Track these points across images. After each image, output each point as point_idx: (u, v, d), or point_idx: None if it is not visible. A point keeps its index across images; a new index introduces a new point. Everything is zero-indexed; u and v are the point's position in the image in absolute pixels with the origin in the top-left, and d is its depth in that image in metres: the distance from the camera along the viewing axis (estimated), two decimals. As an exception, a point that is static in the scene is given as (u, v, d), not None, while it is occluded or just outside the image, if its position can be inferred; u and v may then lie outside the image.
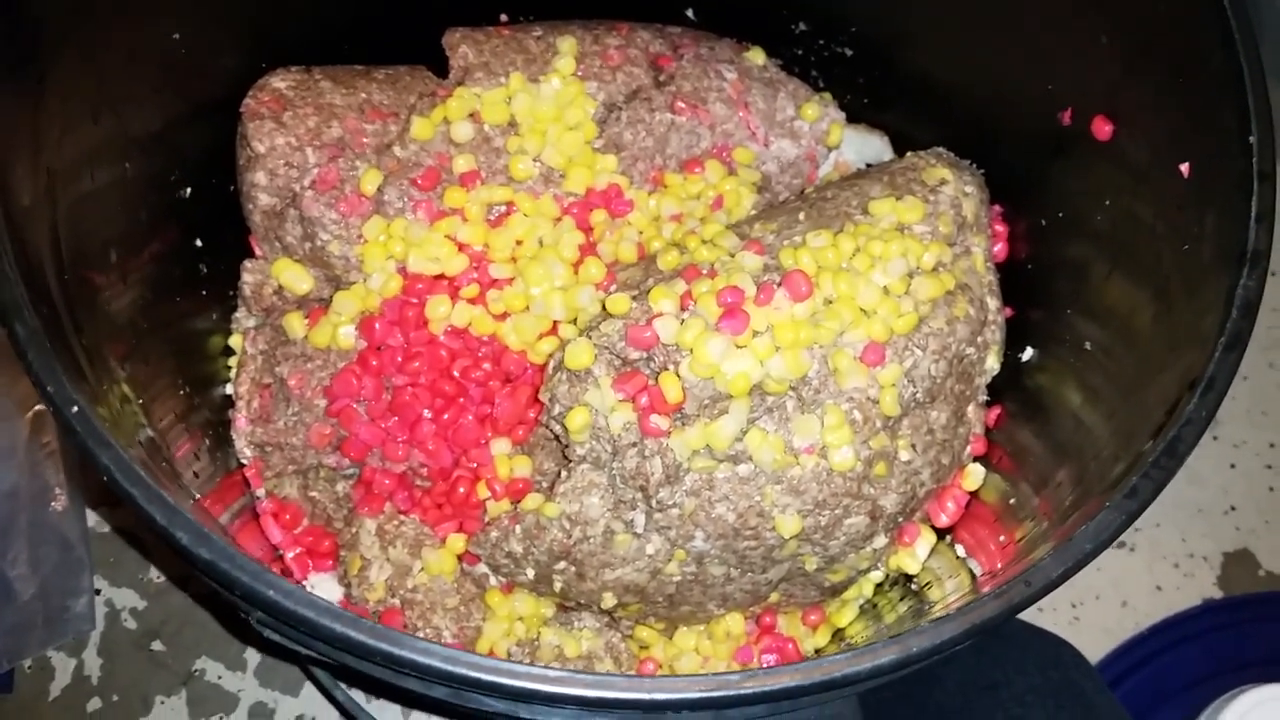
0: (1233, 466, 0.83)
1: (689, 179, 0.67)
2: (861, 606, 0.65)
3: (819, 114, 0.71)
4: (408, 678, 0.41)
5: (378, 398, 0.62)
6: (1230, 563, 0.80)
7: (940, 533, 0.62)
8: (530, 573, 0.59)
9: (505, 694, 0.39)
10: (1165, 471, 0.44)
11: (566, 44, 0.67)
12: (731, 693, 0.39)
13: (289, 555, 0.63)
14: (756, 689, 0.39)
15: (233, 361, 0.66)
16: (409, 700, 0.70)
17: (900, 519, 0.59)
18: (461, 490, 0.62)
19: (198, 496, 0.56)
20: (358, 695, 0.68)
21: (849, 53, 0.72)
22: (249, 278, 0.66)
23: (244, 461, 0.64)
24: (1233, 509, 0.82)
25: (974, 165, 0.67)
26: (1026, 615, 0.74)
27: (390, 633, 0.38)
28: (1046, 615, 0.77)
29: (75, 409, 0.41)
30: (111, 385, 0.50)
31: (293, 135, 0.64)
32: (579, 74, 0.67)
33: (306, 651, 0.44)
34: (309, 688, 0.74)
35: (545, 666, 0.44)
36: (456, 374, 0.62)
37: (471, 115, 0.65)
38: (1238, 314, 0.46)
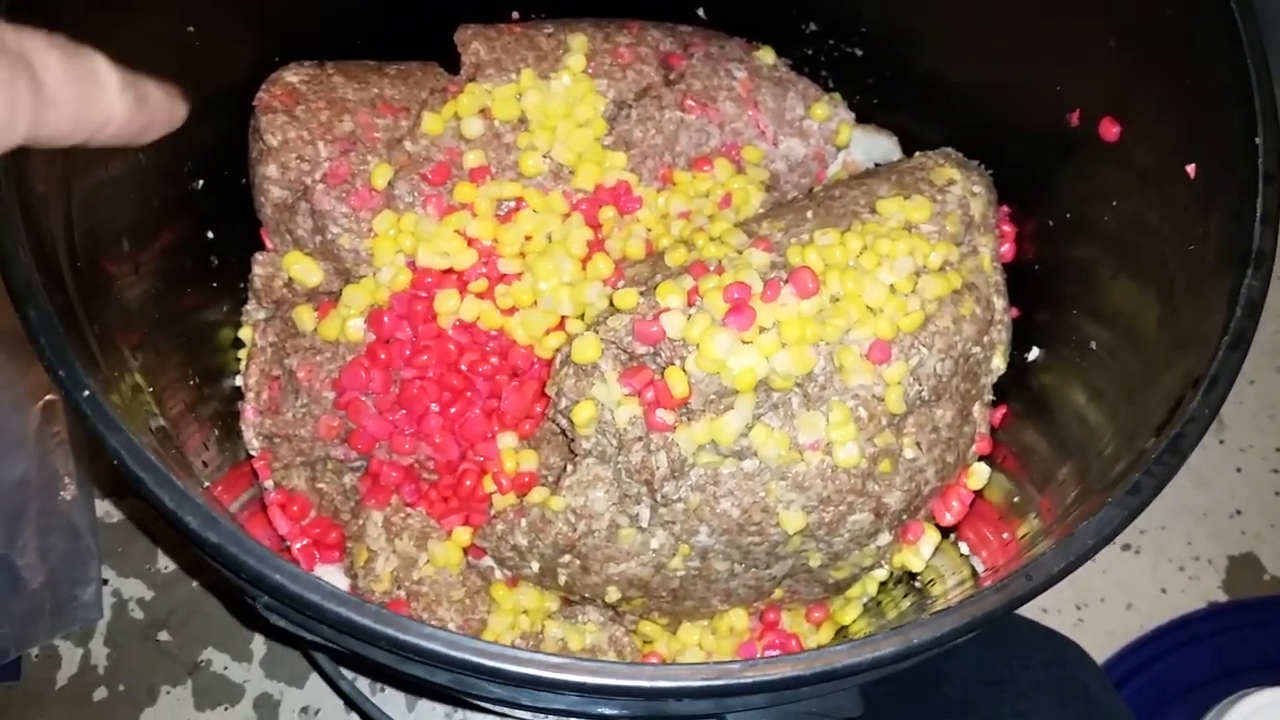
0: (1239, 470, 0.83)
1: (698, 177, 0.68)
2: (865, 604, 0.65)
3: (828, 114, 0.71)
4: (411, 663, 0.41)
5: (386, 390, 0.63)
6: (1235, 566, 0.80)
7: (944, 531, 0.62)
8: (535, 566, 0.59)
9: (507, 679, 0.39)
10: (1168, 468, 0.44)
11: (578, 41, 0.68)
12: (732, 681, 0.39)
13: (296, 546, 0.64)
14: (757, 678, 0.39)
15: (242, 353, 0.66)
16: (413, 687, 0.71)
17: (904, 517, 0.59)
18: (468, 483, 0.62)
19: (206, 485, 0.57)
20: (363, 686, 0.68)
21: (859, 53, 0.72)
22: (259, 270, 0.66)
23: (252, 453, 0.64)
24: (1238, 513, 0.81)
25: (982, 166, 0.67)
26: (1031, 617, 0.75)
27: (395, 617, 0.39)
28: (1051, 617, 0.77)
29: (86, 393, 0.42)
30: (124, 374, 0.51)
31: (305, 129, 0.64)
32: (589, 71, 0.67)
33: (312, 637, 0.44)
34: (315, 679, 0.74)
35: (547, 653, 0.44)
36: (464, 368, 0.63)
37: (482, 111, 0.66)
38: (1242, 313, 0.46)
